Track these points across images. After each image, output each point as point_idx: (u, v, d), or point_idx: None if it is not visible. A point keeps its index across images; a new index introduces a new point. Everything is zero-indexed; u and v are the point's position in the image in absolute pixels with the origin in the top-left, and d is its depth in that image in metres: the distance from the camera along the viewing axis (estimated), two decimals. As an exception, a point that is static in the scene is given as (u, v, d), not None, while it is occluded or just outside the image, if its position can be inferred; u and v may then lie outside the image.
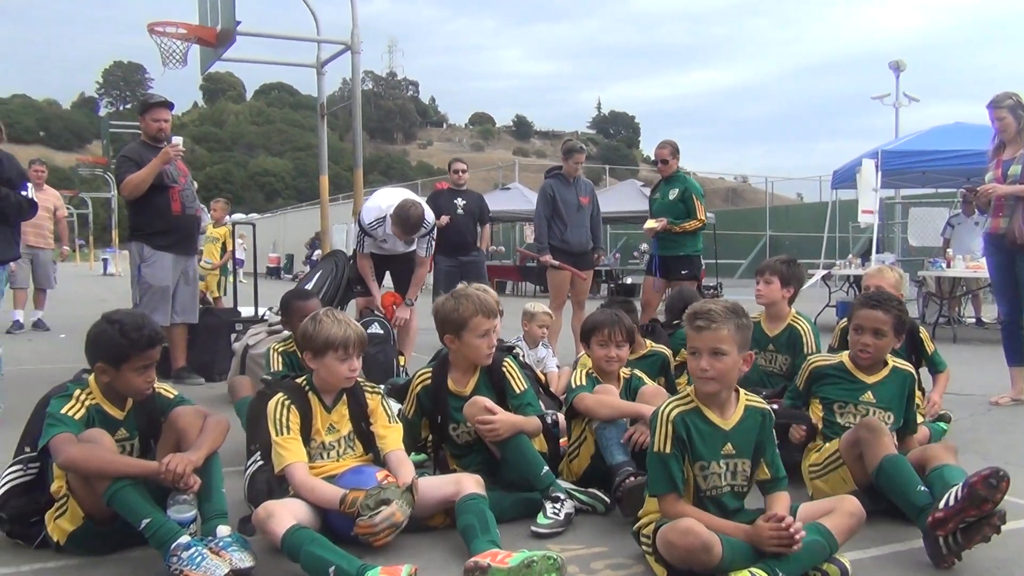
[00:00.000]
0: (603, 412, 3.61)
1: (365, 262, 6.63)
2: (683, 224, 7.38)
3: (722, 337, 2.83)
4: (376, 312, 6.40)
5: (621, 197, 20.38)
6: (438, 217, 7.79)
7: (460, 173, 8.86)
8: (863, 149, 13.01)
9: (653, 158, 8.56)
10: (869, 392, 3.66)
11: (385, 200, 6.45)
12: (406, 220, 6.21)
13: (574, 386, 3.78)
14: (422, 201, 6.61)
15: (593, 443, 3.64)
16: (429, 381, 3.71)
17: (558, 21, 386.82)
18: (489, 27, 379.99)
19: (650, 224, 7.48)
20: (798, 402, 3.91)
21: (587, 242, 7.76)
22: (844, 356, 3.80)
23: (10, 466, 3.14)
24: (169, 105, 7.05)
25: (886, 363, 3.73)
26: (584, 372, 3.86)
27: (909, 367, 3.81)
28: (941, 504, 2.87)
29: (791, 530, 2.61)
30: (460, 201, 8.63)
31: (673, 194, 7.47)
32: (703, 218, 7.48)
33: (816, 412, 3.79)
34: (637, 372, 4.00)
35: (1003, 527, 2.89)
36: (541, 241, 7.76)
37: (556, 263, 7.61)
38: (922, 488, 3.10)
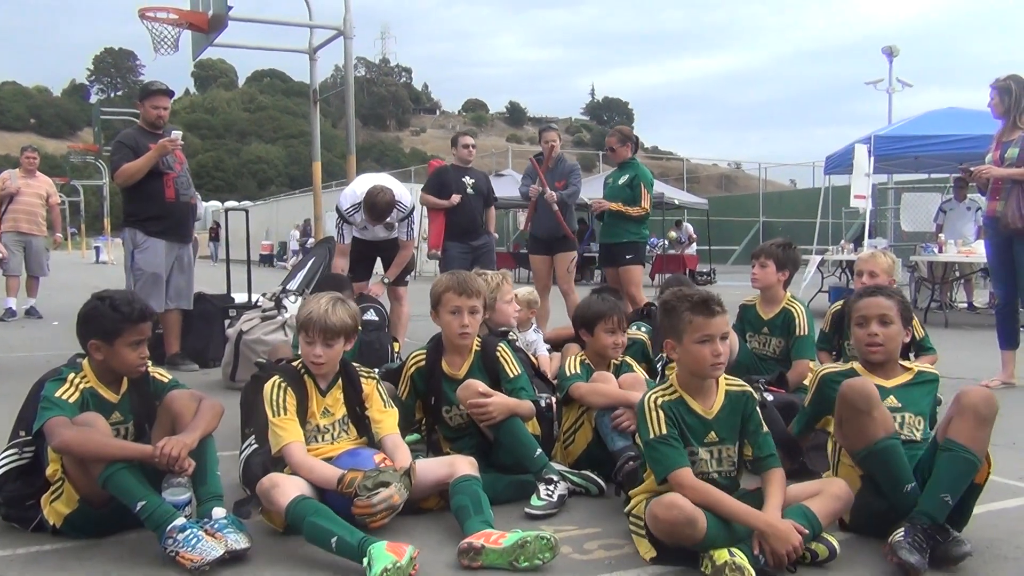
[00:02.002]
0: (597, 400, 3.63)
1: (341, 260, 6.57)
2: (627, 207, 7.23)
3: (727, 320, 2.97)
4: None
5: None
6: (447, 197, 7.56)
7: (469, 148, 7.93)
8: (857, 135, 13.02)
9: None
10: (892, 396, 3.14)
11: (362, 186, 6.42)
12: (373, 207, 6.20)
13: (568, 374, 3.78)
14: (397, 186, 6.52)
15: (590, 430, 3.66)
16: (423, 363, 3.73)
17: (555, 7, 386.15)
18: (485, 14, 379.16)
19: (598, 202, 7.38)
20: (799, 426, 3.46)
21: (558, 227, 7.54)
22: (855, 363, 3.33)
23: (5, 450, 3.14)
24: (169, 93, 7.06)
25: (907, 368, 3.26)
26: (577, 360, 3.86)
27: (934, 371, 3.34)
28: (890, 538, 2.71)
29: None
30: (469, 180, 7.76)
31: (623, 179, 7.35)
32: (646, 207, 7.30)
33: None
34: (627, 359, 4.01)
35: (996, 505, 2.93)
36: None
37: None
38: (909, 488, 2.85)
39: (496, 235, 7.99)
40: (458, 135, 8.25)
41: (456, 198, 7.54)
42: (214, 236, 31.21)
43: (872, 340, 3.20)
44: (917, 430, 3.13)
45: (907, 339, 3.30)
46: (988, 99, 6.00)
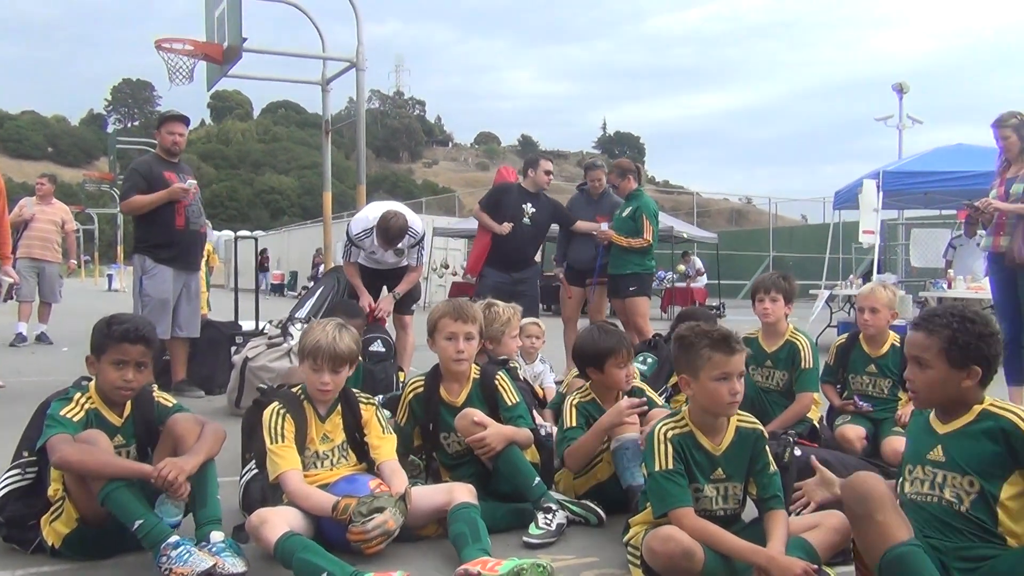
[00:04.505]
0: (578, 459, 3.62)
1: (351, 268, 6.60)
2: (629, 239, 7.13)
3: (744, 358, 2.92)
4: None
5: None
6: (500, 222, 7.12)
7: (550, 176, 7.36)
8: (867, 171, 13.05)
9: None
10: (938, 447, 2.57)
11: (374, 212, 6.44)
12: (386, 230, 6.19)
13: (565, 424, 3.71)
14: (409, 212, 6.51)
15: (608, 468, 3.61)
16: (421, 389, 3.75)
17: (570, 43, 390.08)
18: (500, 48, 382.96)
19: (603, 233, 7.26)
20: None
21: (592, 259, 7.44)
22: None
23: (8, 470, 3.17)
24: (185, 120, 7.14)
25: (975, 404, 2.58)
26: (574, 412, 3.72)
27: (1016, 412, 2.50)
28: None
29: None
30: (530, 207, 7.19)
31: (627, 212, 7.25)
32: (648, 238, 7.13)
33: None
34: (637, 383, 3.98)
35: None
36: (557, 256, 7.74)
37: (560, 278, 7.65)
38: None
39: (606, 229, 7.22)
40: (540, 157, 7.56)
41: (507, 227, 7.09)
42: (263, 267, 31.48)
43: (909, 386, 2.69)
44: (966, 493, 2.47)
45: (968, 382, 2.54)
46: (998, 138, 5.98)
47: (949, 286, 10.84)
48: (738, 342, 2.90)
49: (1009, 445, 2.45)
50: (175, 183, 6.70)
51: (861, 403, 4.79)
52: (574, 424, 3.70)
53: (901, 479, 2.66)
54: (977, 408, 2.56)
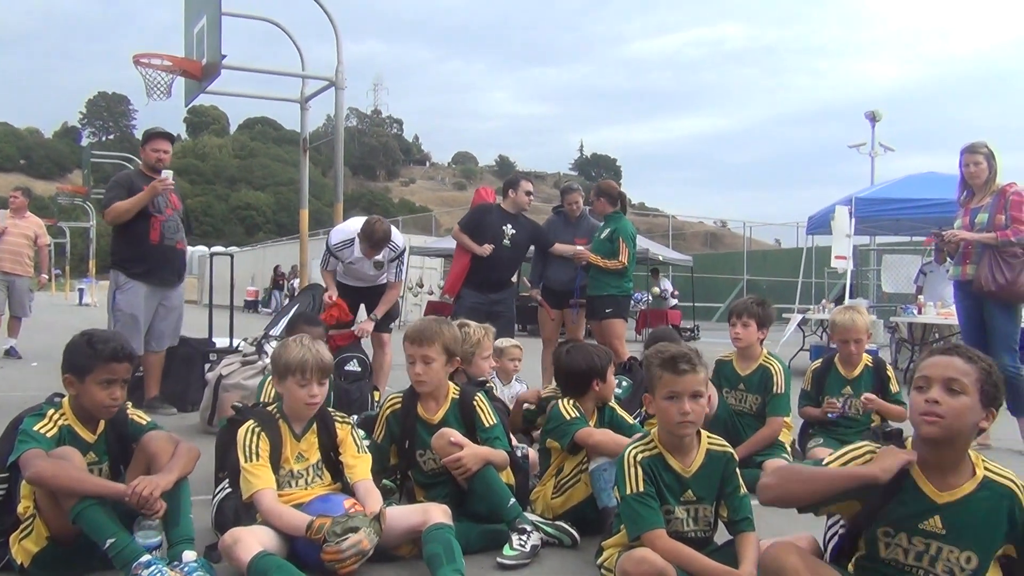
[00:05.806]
0: (613, 448, 3.50)
1: (328, 273, 6.69)
2: (605, 260, 7.06)
3: (701, 380, 2.92)
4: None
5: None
6: (480, 243, 7.04)
7: (531, 197, 7.27)
8: (840, 196, 13.23)
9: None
10: (937, 517, 2.37)
11: (354, 224, 6.50)
12: (371, 234, 6.22)
13: (568, 418, 3.68)
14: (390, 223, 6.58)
15: (586, 488, 3.61)
16: (399, 406, 3.75)
17: (549, 65, 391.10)
18: (478, 69, 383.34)
19: (578, 254, 7.23)
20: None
21: (571, 281, 7.45)
22: (900, 454, 2.44)
23: (-24, 488, 3.12)
24: (170, 137, 7.13)
25: (974, 472, 2.39)
26: (571, 404, 3.76)
27: (1012, 478, 2.40)
28: None
29: None
30: (510, 229, 7.13)
31: (604, 233, 7.20)
32: (623, 260, 7.05)
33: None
34: (611, 404, 4.00)
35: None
36: (532, 278, 7.71)
37: (538, 299, 7.65)
38: None
39: (582, 249, 7.16)
40: (520, 178, 7.51)
41: (487, 248, 7.01)
42: (278, 284, 31.34)
43: (930, 408, 2.34)
44: (962, 569, 2.34)
45: (986, 424, 2.40)
46: (965, 164, 6.09)
47: (919, 311, 10.96)
48: (689, 363, 2.89)
49: (1010, 515, 2.35)
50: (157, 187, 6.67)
51: (834, 408, 4.99)
52: (577, 416, 3.68)
53: (871, 539, 2.47)
54: (979, 476, 2.38)
